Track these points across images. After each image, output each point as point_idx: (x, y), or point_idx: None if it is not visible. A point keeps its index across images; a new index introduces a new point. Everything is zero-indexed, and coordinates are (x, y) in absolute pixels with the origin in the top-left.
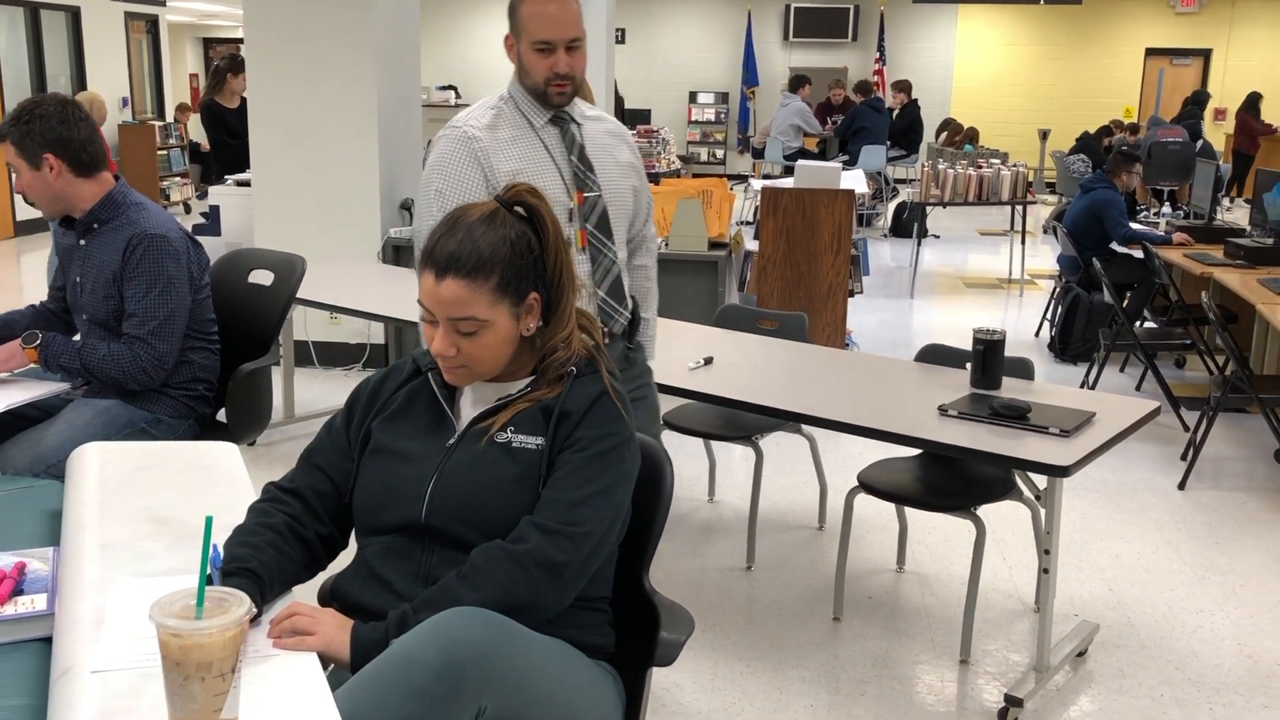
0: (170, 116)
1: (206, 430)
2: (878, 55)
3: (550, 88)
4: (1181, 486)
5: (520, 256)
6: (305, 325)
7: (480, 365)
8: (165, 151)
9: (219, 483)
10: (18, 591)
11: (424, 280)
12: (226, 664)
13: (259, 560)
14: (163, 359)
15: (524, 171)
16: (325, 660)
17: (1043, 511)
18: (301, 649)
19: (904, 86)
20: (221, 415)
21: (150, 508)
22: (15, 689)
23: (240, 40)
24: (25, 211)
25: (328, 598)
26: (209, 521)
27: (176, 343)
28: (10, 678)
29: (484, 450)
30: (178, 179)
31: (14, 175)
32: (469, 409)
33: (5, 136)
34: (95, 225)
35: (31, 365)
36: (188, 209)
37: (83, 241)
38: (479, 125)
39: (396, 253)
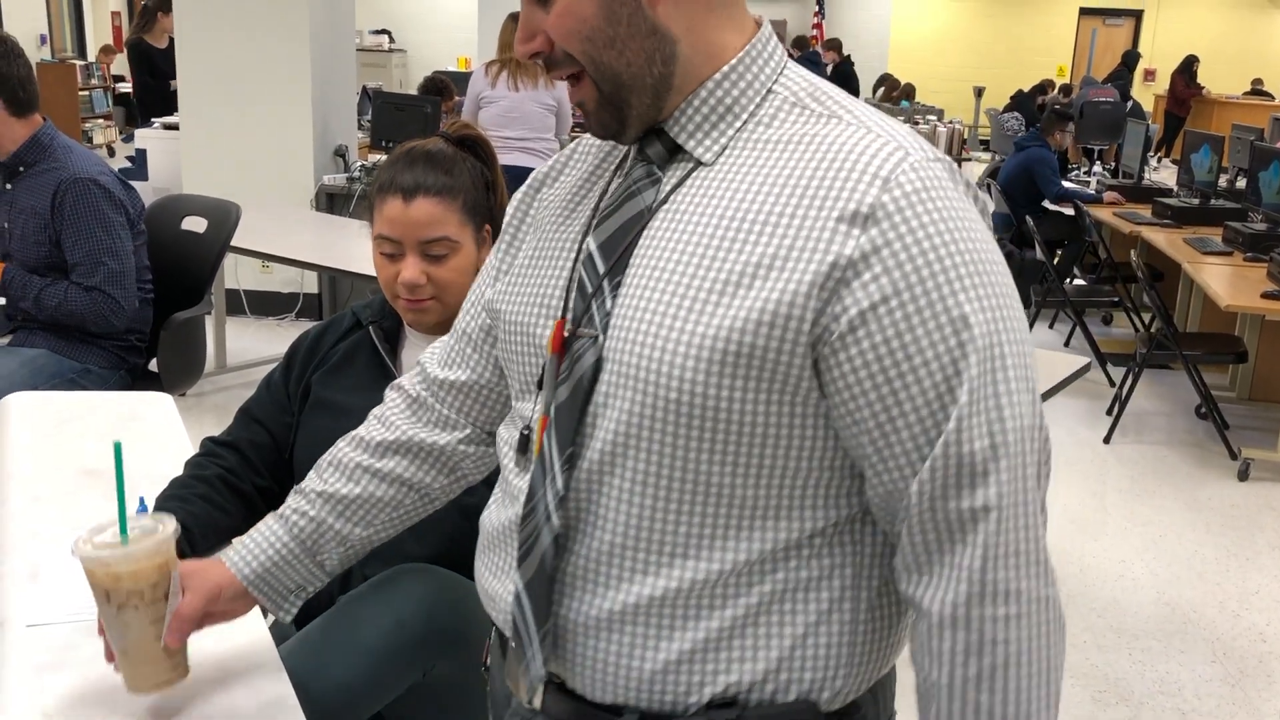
0: (92, 56)
1: (138, 380)
2: (817, 9)
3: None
4: (1107, 440)
5: (476, 185)
6: (237, 274)
7: (449, 295)
8: (87, 93)
9: (152, 434)
10: None
11: (388, 208)
12: (159, 589)
13: (187, 512)
14: (122, 305)
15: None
16: (266, 612)
17: None
18: None
19: (834, 45)
20: (153, 365)
21: (82, 459)
22: None
23: None
24: None
25: None
26: (118, 447)
27: (131, 286)
28: None
29: None
30: (100, 121)
31: None
32: (411, 362)
33: None
34: (21, 169)
35: None
36: (111, 153)
37: (9, 186)
38: None
39: (330, 200)
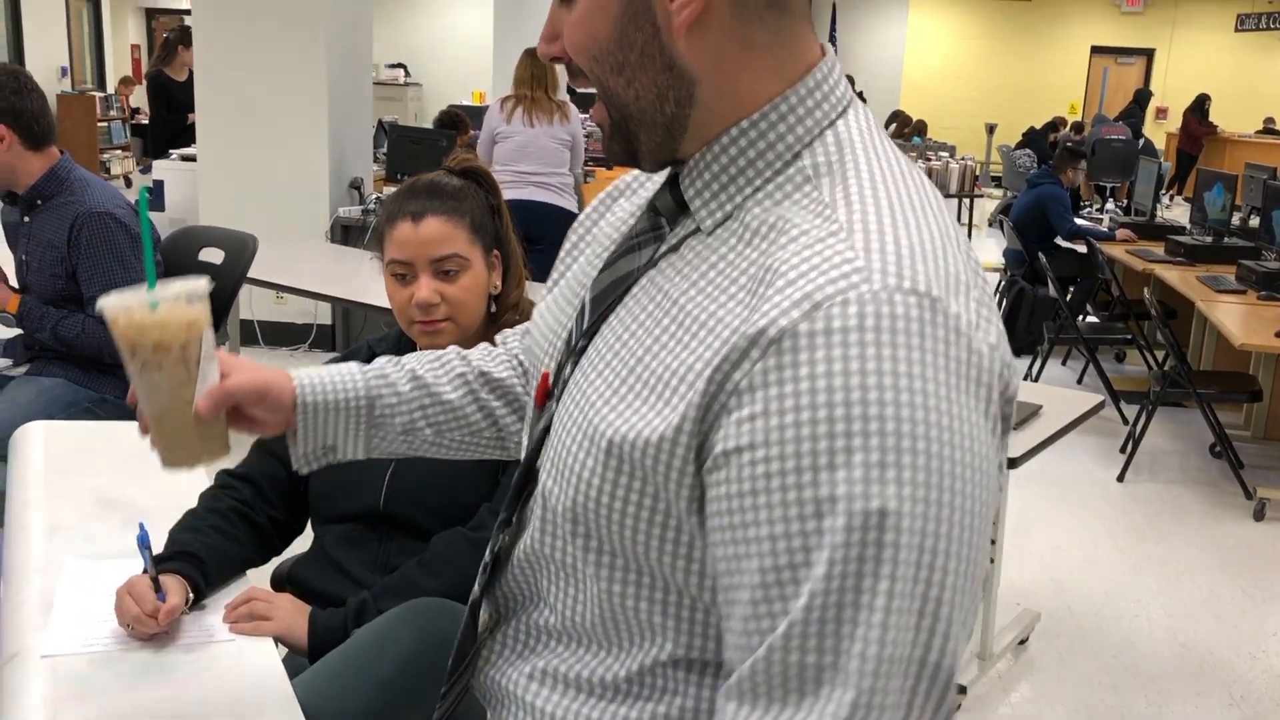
0: (111, 88)
1: None
2: (830, 45)
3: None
4: (1120, 478)
5: (481, 209)
6: (251, 304)
7: (463, 315)
8: (105, 124)
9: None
10: None
11: (398, 233)
12: (189, 350)
13: (201, 543)
14: None
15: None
16: (281, 645)
17: None
18: (258, 634)
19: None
20: None
21: (97, 489)
22: None
23: (186, 12)
24: None
25: (283, 583)
26: (144, 192)
27: None
28: None
29: None
30: (118, 151)
31: None
32: None
33: None
34: (39, 202)
35: None
36: (128, 183)
37: (26, 219)
38: None
39: (345, 232)
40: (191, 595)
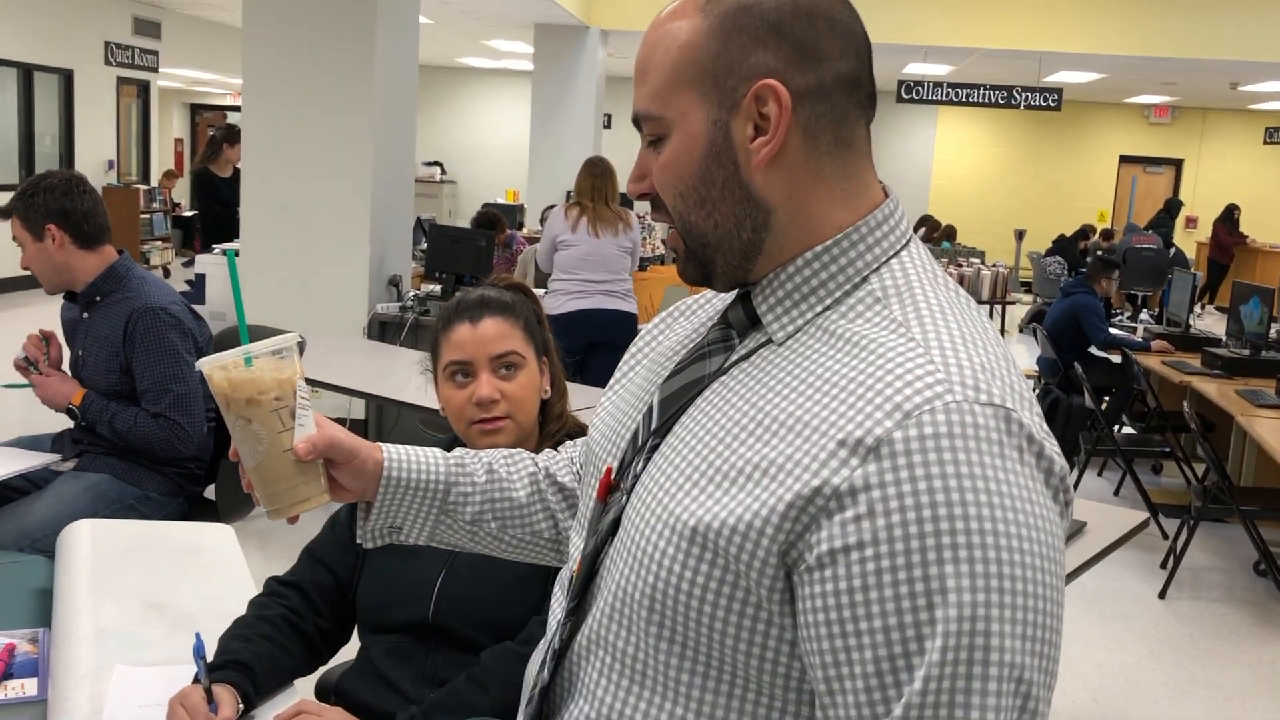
0: (155, 181)
1: (194, 508)
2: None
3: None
4: (1162, 595)
5: (529, 317)
6: None
7: (521, 413)
8: (148, 215)
9: (214, 566)
10: (7, 675)
11: (456, 335)
12: (282, 401)
13: (251, 652)
14: (188, 431)
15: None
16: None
17: None
18: None
19: None
20: (209, 492)
21: (145, 591)
22: None
23: (229, 108)
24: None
25: (328, 693)
26: (231, 255)
27: (199, 413)
28: None
29: None
30: (159, 243)
31: (21, 249)
32: None
33: (12, 211)
34: (97, 298)
35: (21, 437)
36: (167, 274)
37: (85, 315)
38: None
39: (382, 329)
40: (241, 706)
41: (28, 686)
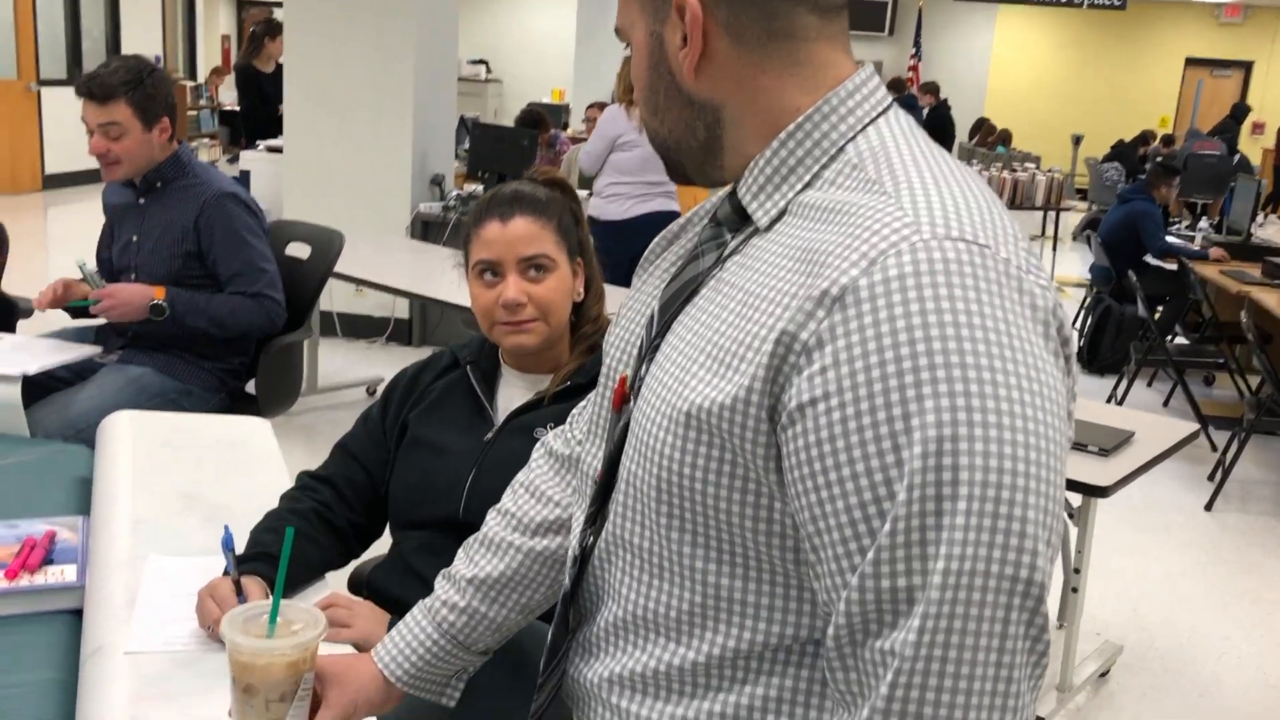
0: (202, 78)
1: (236, 403)
2: (914, 51)
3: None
4: (1208, 507)
5: (565, 216)
6: (330, 296)
7: (551, 315)
8: (195, 112)
9: (251, 459)
10: (48, 560)
11: (486, 232)
12: (280, 690)
13: (281, 545)
14: (282, 307)
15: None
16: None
17: (1075, 530)
18: (337, 640)
19: (931, 89)
20: (250, 387)
21: (181, 483)
22: (44, 661)
23: (274, 3)
24: (54, 164)
25: (361, 586)
26: (290, 533)
27: (282, 291)
28: (39, 649)
29: (524, 446)
30: (206, 140)
31: (97, 133)
32: (507, 402)
33: (118, 96)
34: (158, 184)
35: (66, 328)
36: None
37: (142, 201)
38: None
39: (425, 228)
40: (268, 596)
41: (67, 573)
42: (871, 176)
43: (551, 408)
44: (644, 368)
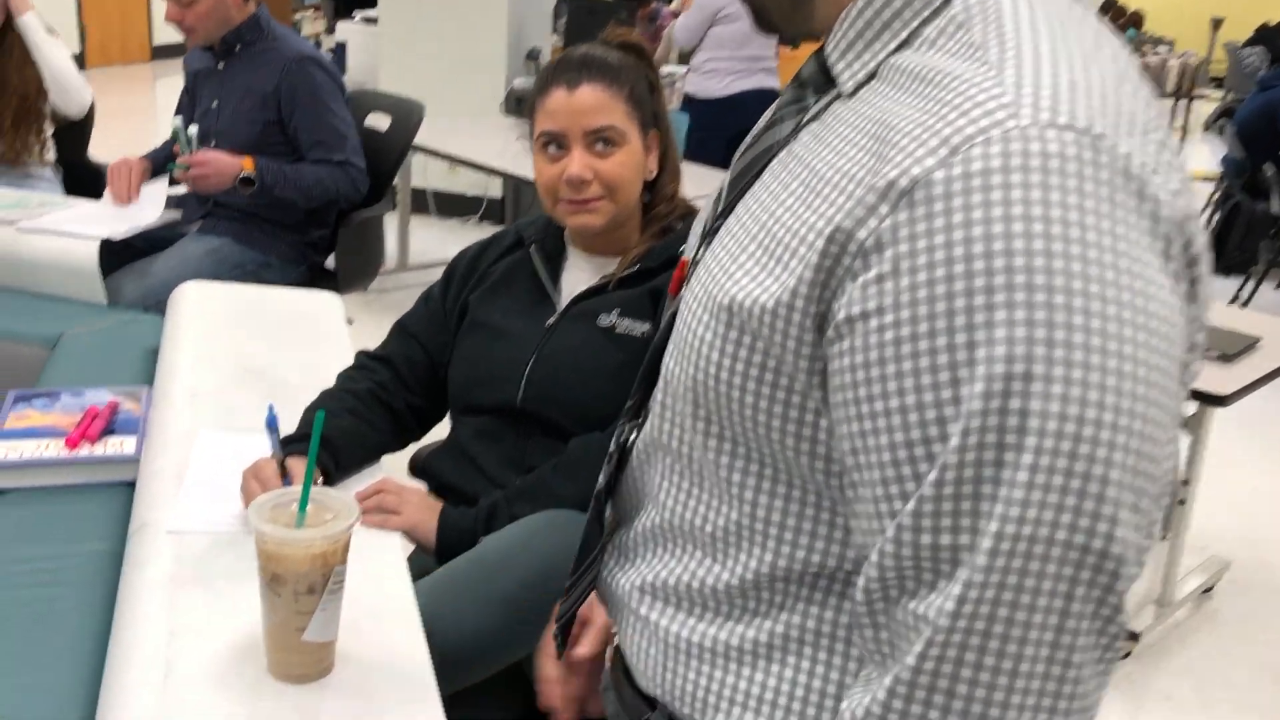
0: None
1: (315, 277)
2: None
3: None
4: None
5: (640, 84)
6: (425, 173)
7: (619, 194)
8: None
9: (317, 336)
10: (108, 431)
11: (551, 101)
12: (308, 582)
13: (334, 425)
14: (365, 175)
15: None
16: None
17: (1187, 439)
18: (386, 528)
19: None
20: (330, 263)
21: (244, 356)
22: (98, 533)
23: None
24: (162, 36)
25: (419, 472)
26: (320, 416)
27: (364, 159)
28: (94, 520)
29: (586, 334)
30: (309, 12)
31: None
32: (571, 285)
33: None
34: (237, 47)
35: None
36: (318, 44)
37: (221, 65)
38: None
39: (519, 104)
40: (320, 481)
41: (126, 444)
42: (976, 40)
43: (617, 293)
44: (701, 250)
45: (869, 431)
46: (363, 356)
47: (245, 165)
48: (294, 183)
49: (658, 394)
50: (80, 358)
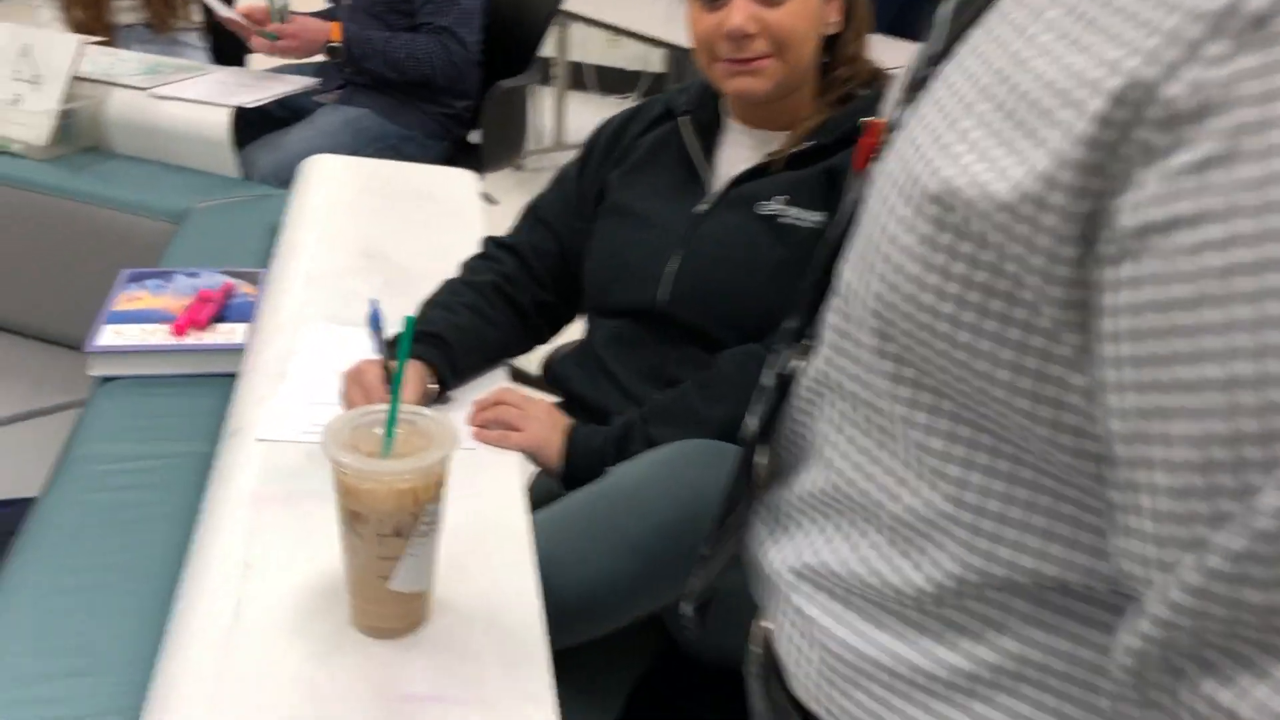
0: None
1: (459, 154)
2: None
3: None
4: None
5: None
6: (584, 46)
7: (790, 51)
8: None
9: (447, 216)
10: (219, 318)
11: None
12: (389, 523)
13: (452, 325)
14: (468, 50)
15: None
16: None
17: None
18: (504, 445)
19: None
20: (477, 138)
21: (368, 237)
22: (199, 432)
23: None
24: None
25: (549, 379)
26: (410, 321)
27: (478, 36)
28: (197, 417)
29: (743, 223)
30: None
31: None
32: (727, 164)
33: None
34: None
35: (286, 64)
36: None
37: None
38: None
39: None
40: (435, 386)
41: (236, 333)
42: None
43: (784, 175)
44: (903, 112)
45: (1167, 411)
46: (489, 243)
47: (333, 34)
48: (383, 55)
49: (830, 315)
50: (205, 235)
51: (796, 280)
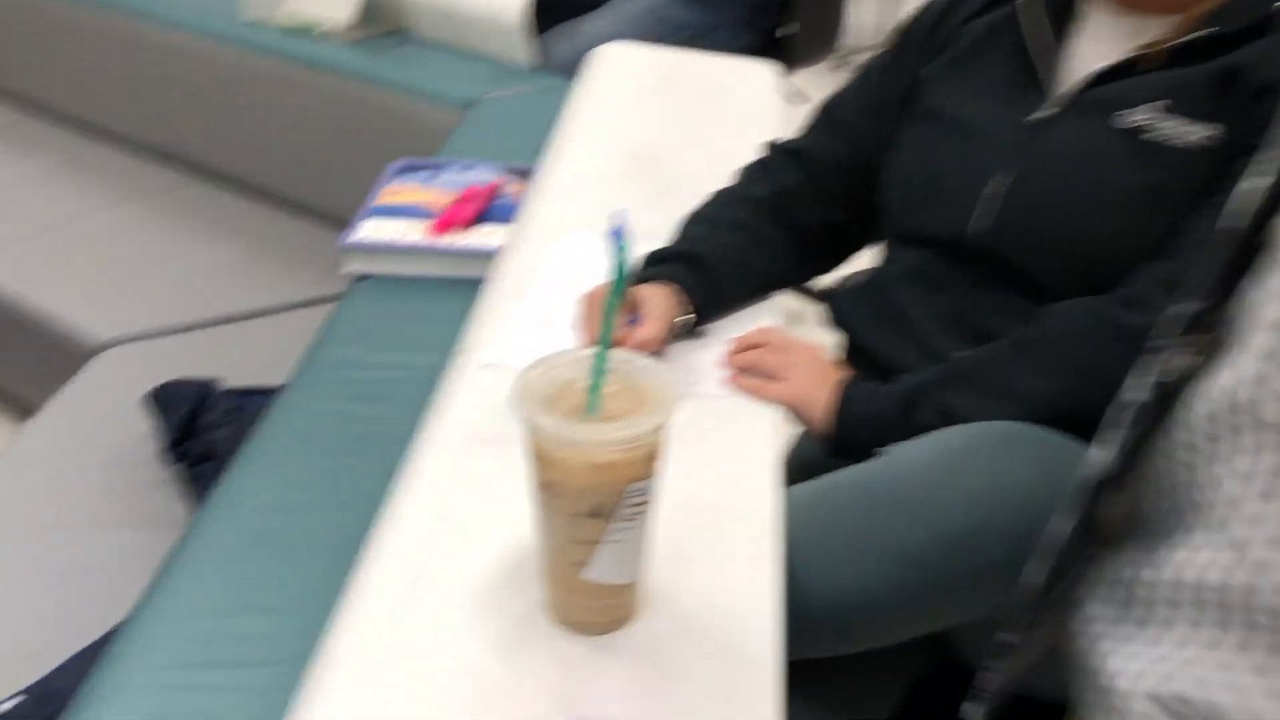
0: None
1: (767, 47)
2: None
3: None
4: None
5: None
6: None
7: None
8: None
9: (738, 116)
10: (483, 218)
11: None
12: (586, 501)
13: (715, 245)
14: None
15: None
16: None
17: None
18: (761, 396)
19: None
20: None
21: (644, 141)
22: (445, 342)
23: None
24: None
25: (831, 316)
26: (621, 247)
27: None
28: (445, 326)
29: (1097, 137)
30: None
31: None
32: (1078, 64)
33: None
34: None
35: None
36: None
37: None
38: None
39: None
40: (691, 318)
41: (497, 235)
42: None
43: (1158, 75)
44: None
45: None
46: (773, 149)
47: None
48: None
49: (1266, 300)
50: (490, 126)
51: (1163, 217)
